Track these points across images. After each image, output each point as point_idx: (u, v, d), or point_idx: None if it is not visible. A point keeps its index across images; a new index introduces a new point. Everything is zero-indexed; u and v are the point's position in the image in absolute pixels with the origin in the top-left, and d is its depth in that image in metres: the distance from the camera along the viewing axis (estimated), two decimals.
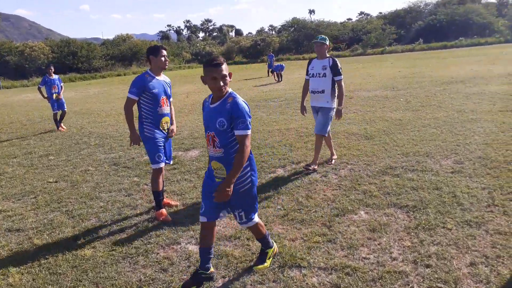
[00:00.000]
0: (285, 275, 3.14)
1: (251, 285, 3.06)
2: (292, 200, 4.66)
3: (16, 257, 3.74)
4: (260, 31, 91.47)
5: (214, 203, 2.95)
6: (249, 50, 57.65)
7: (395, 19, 62.29)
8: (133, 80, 4.27)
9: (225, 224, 4.14)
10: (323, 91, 5.53)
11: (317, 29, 58.37)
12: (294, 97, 13.86)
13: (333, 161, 5.98)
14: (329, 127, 5.67)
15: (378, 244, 3.53)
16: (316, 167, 5.67)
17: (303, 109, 5.96)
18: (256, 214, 3.14)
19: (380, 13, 74.76)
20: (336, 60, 5.51)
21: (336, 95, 5.59)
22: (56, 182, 6.07)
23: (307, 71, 5.79)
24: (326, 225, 3.95)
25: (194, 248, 3.69)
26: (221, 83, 2.77)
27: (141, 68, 44.79)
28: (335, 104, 5.60)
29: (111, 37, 66.98)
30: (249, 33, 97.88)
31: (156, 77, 4.35)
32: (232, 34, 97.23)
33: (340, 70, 5.48)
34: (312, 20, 68.52)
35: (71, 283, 3.25)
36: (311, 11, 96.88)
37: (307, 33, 58.49)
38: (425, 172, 5.22)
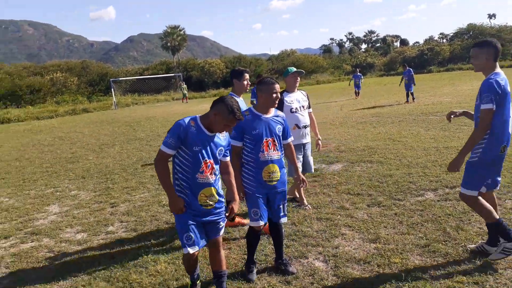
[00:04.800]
0: None
1: None
2: (438, 229, 4.12)
3: (167, 248, 4.29)
4: (429, 40, 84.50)
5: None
6: (414, 60, 53.90)
7: None
8: None
9: (357, 246, 3.93)
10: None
11: (498, 35, 50.99)
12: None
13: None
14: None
15: None
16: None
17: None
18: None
19: None
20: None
21: None
22: None
23: None
24: (476, 264, 3.37)
25: (320, 265, 3.61)
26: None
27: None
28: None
29: (277, 52, 71.75)
30: (416, 42, 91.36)
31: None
32: (397, 44, 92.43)
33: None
34: (492, 25, 60.10)
35: (207, 278, 3.55)
36: (491, 16, 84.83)
37: None
38: None
